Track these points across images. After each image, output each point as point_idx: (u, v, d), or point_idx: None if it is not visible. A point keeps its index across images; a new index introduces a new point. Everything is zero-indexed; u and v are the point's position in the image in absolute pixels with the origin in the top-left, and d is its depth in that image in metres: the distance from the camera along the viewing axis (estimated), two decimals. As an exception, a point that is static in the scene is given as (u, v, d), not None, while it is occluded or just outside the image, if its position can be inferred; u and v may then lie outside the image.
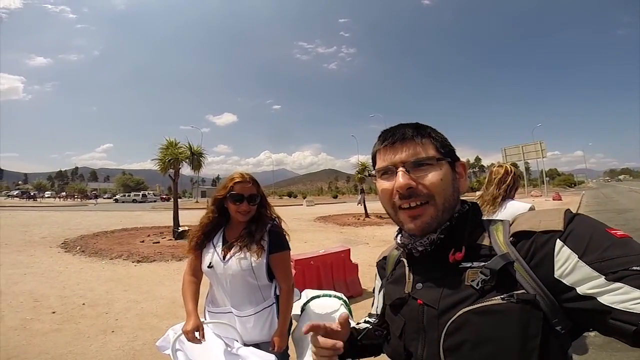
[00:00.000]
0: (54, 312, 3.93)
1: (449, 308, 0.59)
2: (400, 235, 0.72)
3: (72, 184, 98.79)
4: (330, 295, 1.79)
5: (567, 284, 0.51)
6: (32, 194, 54.94)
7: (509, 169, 2.09)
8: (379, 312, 0.85)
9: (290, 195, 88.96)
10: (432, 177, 0.63)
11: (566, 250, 0.52)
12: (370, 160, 0.74)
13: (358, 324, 0.89)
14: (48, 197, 63.47)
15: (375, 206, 17.19)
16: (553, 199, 25.57)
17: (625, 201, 20.52)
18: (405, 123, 0.70)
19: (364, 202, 16.52)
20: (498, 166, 2.15)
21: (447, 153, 0.67)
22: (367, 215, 16.15)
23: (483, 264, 0.58)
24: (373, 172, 0.71)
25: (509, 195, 2.04)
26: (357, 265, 4.81)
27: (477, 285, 0.56)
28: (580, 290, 0.50)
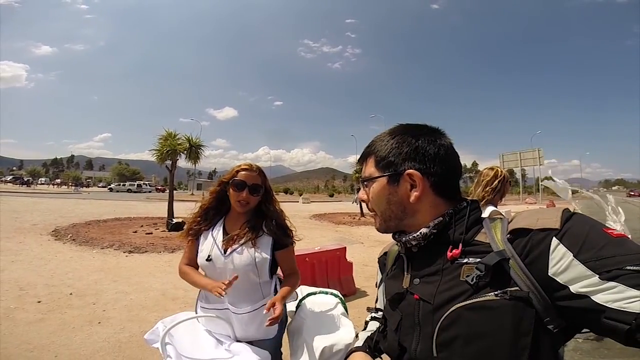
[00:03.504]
0: (39, 302, 3.83)
1: (444, 303, 0.59)
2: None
3: (67, 172, 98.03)
4: (327, 293, 1.72)
5: (561, 282, 0.51)
6: (26, 180, 54.43)
7: (499, 172, 2.04)
8: (382, 307, 0.86)
9: (286, 191, 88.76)
10: (369, 193, 0.72)
11: (561, 249, 0.51)
12: None
13: (367, 322, 0.92)
14: (42, 184, 63.05)
15: (371, 206, 17.13)
16: (547, 207, 25.80)
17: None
18: (377, 136, 0.74)
19: (360, 202, 16.43)
20: (489, 169, 2.11)
21: (385, 167, 0.69)
22: (362, 214, 16.11)
23: (479, 259, 0.58)
24: None
25: (493, 199, 1.99)
26: (351, 264, 4.76)
27: (472, 280, 0.56)
28: (574, 288, 0.50)
